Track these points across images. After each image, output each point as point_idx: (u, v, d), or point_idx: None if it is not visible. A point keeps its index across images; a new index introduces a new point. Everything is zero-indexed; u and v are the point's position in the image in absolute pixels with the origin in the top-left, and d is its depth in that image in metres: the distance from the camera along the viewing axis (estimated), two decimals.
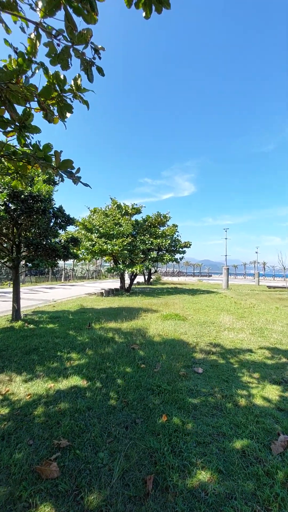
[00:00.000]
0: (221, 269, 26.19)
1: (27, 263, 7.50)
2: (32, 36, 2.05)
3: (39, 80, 2.66)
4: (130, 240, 15.32)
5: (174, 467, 1.92)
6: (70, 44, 2.09)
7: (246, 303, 11.97)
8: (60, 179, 2.39)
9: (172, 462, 1.96)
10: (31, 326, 6.59)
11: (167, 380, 3.37)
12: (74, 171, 2.36)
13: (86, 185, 2.45)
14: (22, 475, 1.81)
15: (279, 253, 20.82)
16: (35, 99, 2.28)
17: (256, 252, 46.51)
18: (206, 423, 2.46)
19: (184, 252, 20.96)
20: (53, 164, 2.31)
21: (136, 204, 18.39)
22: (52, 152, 2.57)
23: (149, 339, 5.34)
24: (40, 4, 1.93)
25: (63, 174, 2.33)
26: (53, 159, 2.35)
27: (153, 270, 29.10)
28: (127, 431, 2.35)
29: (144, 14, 2.16)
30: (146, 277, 28.04)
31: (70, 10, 1.93)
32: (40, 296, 14.60)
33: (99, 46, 2.22)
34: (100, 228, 15.04)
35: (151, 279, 29.75)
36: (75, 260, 15.15)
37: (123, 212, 17.95)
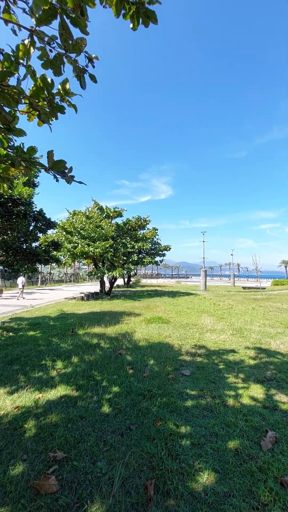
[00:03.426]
0: (198, 271, 26.85)
1: (6, 269, 7.21)
2: (26, 42, 2.03)
3: (26, 84, 2.62)
4: (112, 242, 15.26)
5: (173, 470, 1.96)
6: (63, 51, 2.10)
7: (224, 304, 12.38)
8: (55, 179, 2.37)
9: (170, 466, 2.00)
10: (11, 334, 6.34)
11: (157, 384, 3.41)
12: (66, 170, 2.35)
13: (80, 183, 2.45)
14: (20, 493, 1.76)
15: (253, 255, 21.79)
16: (22, 102, 2.26)
17: (231, 254, 48.30)
18: (198, 425, 2.54)
19: (164, 255, 21.23)
20: (46, 165, 2.29)
21: (118, 207, 18.36)
22: (37, 155, 2.55)
23: (135, 343, 5.36)
24: (35, 11, 1.92)
25: (56, 174, 2.31)
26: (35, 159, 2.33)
27: (132, 273, 29.13)
28: (123, 438, 2.35)
29: (131, 25, 2.22)
30: (126, 279, 28.00)
31: (66, 20, 1.94)
32: (16, 301, 14.03)
33: (93, 56, 2.25)
34: (82, 231, 14.81)
35: (131, 282, 29.74)
36: (54, 264, 14.80)
37: (104, 215, 17.83)
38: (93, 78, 2.37)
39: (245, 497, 1.76)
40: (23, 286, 16.12)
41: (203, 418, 2.66)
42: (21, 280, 16.12)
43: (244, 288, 28.63)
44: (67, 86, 2.38)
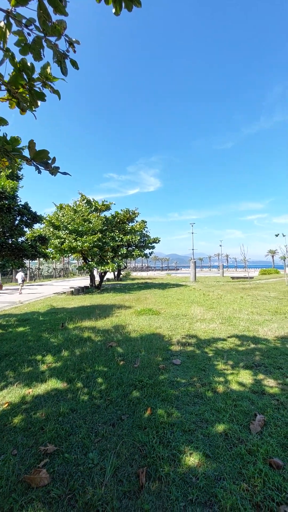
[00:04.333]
0: (188, 263, 27.06)
1: None
2: (2, 24, 1.90)
3: (4, 69, 2.49)
4: (100, 236, 15.09)
5: (164, 457, 1.99)
6: (42, 35, 1.99)
7: (213, 294, 12.57)
8: (37, 171, 2.27)
9: (162, 453, 2.02)
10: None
11: (148, 375, 3.44)
12: (49, 161, 2.25)
13: (65, 173, 2.36)
14: (11, 487, 1.74)
15: (241, 245, 22.10)
16: (3, 88, 2.14)
17: (220, 245, 48.84)
18: (189, 412, 2.58)
19: (153, 247, 21.24)
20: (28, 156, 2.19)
21: (106, 201, 18.12)
22: (21, 146, 2.43)
23: (125, 335, 5.37)
24: None
25: (39, 165, 2.21)
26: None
27: (122, 266, 29.08)
28: (114, 428, 2.36)
29: (114, 10, 2.13)
30: (116, 273, 27.93)
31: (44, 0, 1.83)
32: (4, 298, 13.77)
33: (74, 40, 2.14)
34: (69, 225, 14.57)
35: (121, 275, 29.70)
36: (42, 259, 14.57)
37: (93, 209, 17.57)
38: (74, 64, 2.27)
39: (235, 480, 1.80)
40: (23, 281, 16.39)
41: (193, 405, 2.70)
42: (20, 275, 16.48)
43: (232, 278, 29.14)
44: (48, 70, 2.26)
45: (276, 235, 18.16)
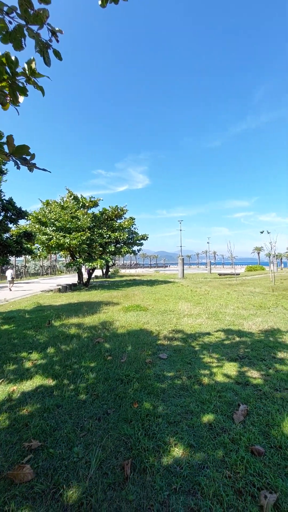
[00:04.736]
0: (176, 260, 27.26)
1: None
2: None
3: None
4: (88, 234, 14.92)
5: (149, 449, 2.00)
6: (24, 23, 1.93)
7: (201, 290, 12.73)
8: (16, 166, 2.21)
9: (147, 445, 2.04)
10: None
11: (134, 369, 3.45)
12: (28, 157, 2.20)
13: (44, 170, 2.30)
14: None
15: (228, 242, 22.45)
16: None
17: (208, 243, 49.30)
18: (175, 404, 2.61)
19: (141, 244, 21.23)
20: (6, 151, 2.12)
21: (94, 197, 17.90)
22: (4, 140, 2.36)
23: (113, 331, 5.36)
24: None
25: (17, 161, 2.15)
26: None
27: (111, 263, 28.96)
28: (100, 422, 2.36)
29: (100, 2, 2.09)
30: (104, 270, 27.78)
31: None
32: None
33: (57, 29, 2.09)
34: (56, 222, 14.31)
35: (109, 272, 29.57)
36: (29, 256, 14.33)
37: (80, 205, 17.33)
38: (57, 54, 2.21)
39: (218, 468, 1.84)
40: (12, 278, 16.41)
41: (179, 398, 2.74)
42: (9, 272, 16.57)
43: (220, 274, 29.61)
44: (33, 65, 2.19)
45: (261, 232, 18.54)
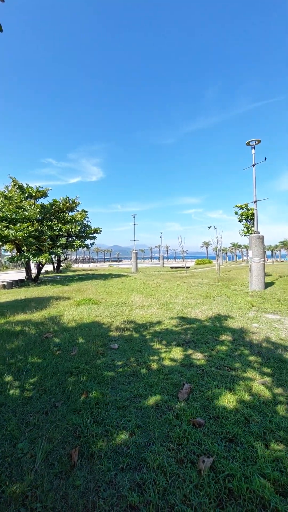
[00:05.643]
0: (130, 254, 27.45)
1: None
2: None
3: None
4: (37, 225, 14.02)
5: (97, 434, 2.03)
6: None
7: (153, 283, 13.10)
8: None
9: (95, 431, 2.06)
10: None
11: (85, 361, 3.42)
12: None
13: None
14: None
15: (179, 237, 23.45)
16: None
17: (160, 237, 50.67)
18: (124, 390, 2.68)
19: (94, 237, 20.83)
20: None
21: (42, 187, 16.82)
22: None
23: (63, 326, 5.21)
24: None
25: None
26: None
27: (62, 258, 27.78)
28: (47, 416, 2.30)
29: None
30: (55, 265, 26.58)
31: None
32: None
33: None
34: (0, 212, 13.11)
35: (61, 267, 28.41)
36: None
37: (26, 195, 16.12)
38: None
39: (163, 442, 1.96)
40: None
41: (128, 384, 2.82)
42: None
43: (171, 268, 30.84)
44: None
45: (209, 228, 19.82)
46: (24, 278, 17.03)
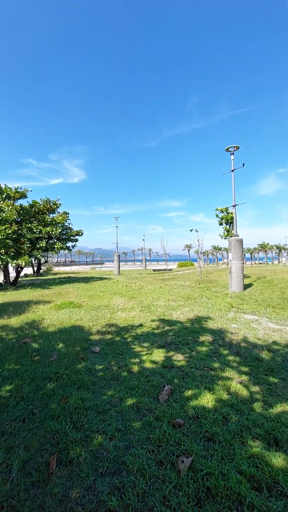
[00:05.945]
0: (113, 257, 27.30)
1: None
2: None
3: None
4: (15, 227, 13.59)
5: (77, 440, 2.00)
6: None
7: (135, 285, 13.10)
8: None
9: (74, 437, 2.03)
10: None
11: (64, 366, 3.36)
12: None
13: None
14: None
15: (161, 239, 23.67)
16: None
17: (143, 240, 50.86)
18: (104, 394, 2.66)
19: (76, 240, 20.51)
20: None
21: (21, 188, 16.35)
22: None
23: (43, 330, 5.08)
24: None
25: None
26: None
27: (43, 261, 27.09)
28: (25, 423, 2.23)
29: None
30: (36, 268, 25.88)
31: None
32: None
33: None
34: None
35: (41, 270, 27.69)
36: None
37: (4, 196, 15.60)
38: None
39: (143, 445, 1.97)
40: None
41: (108, 388, 2.80)
42: None
43: (154, 270, 31.00)
44: None
45: (191, 231, 20.17)
46: (2, 282, 16.42)
